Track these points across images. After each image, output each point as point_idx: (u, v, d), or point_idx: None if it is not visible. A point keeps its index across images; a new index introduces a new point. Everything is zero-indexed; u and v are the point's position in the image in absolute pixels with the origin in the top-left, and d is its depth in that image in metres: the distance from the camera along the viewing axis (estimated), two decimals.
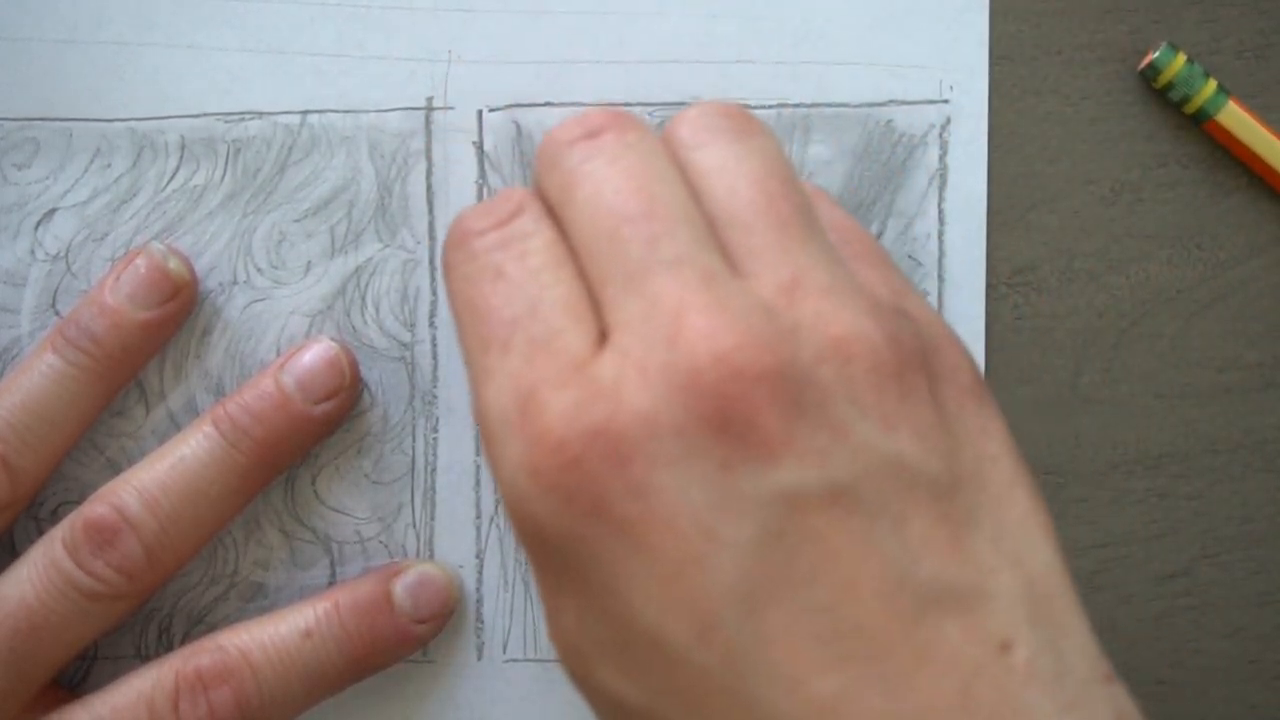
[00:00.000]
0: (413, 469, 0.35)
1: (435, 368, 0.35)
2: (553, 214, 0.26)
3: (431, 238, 0.35)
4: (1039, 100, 0.35)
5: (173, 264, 0.33)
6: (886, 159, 0.35)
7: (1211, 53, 0.35)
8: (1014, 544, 0.23)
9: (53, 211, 0.34)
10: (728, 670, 0.22)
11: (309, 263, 0.35)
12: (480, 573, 0.35)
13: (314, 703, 0.33)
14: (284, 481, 0.35)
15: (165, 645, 0.35)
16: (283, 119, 0.35)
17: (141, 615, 0.35)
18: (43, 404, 0.33)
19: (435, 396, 0.35)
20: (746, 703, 0.22)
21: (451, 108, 0.35)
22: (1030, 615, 0.22)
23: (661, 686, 0.22)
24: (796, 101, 0.35)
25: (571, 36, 0.35)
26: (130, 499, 0.32)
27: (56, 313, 0.35)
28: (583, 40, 0.35)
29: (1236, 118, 0.35)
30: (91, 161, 0.34)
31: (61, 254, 0.35)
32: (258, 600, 0.35)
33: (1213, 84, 0.34)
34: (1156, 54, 0.34)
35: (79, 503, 0.33)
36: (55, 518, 0.34)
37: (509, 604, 0.35)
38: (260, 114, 0.35)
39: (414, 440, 0.35)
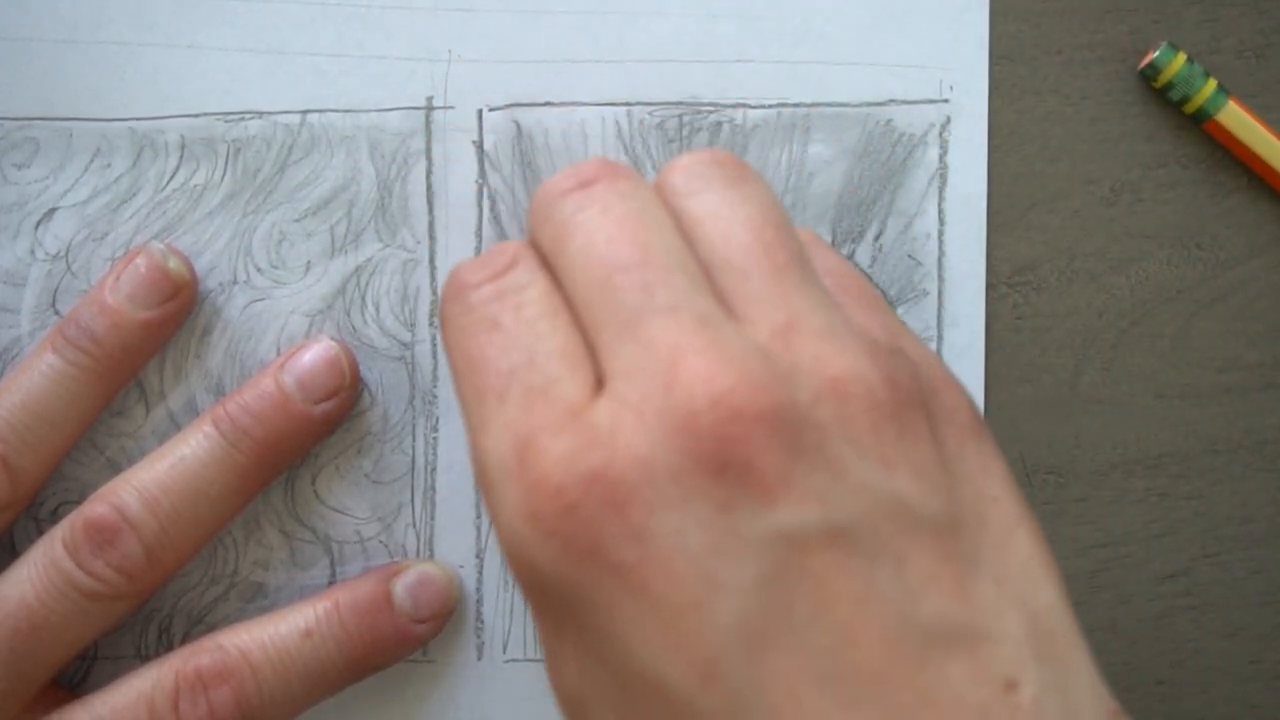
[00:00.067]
0: (413, 469, 0.35)
1: (435, 367, 0.35)
2: (547, 265, 0.26)
3: (431, 237, 0.35)
4: (1039, 100, 0.35)
5: (173, 264, 0.33)
6: (886, 158, 0.35)
7: (1211, 53, 0.35)
8: (1017, 584, 0.23)
9: (53, 211, 0.34)
10: (730, 717, 0.21)
11: (309, 262, 0.35)
12: (480, 573, 0.35)
13: (314, 702, 0.33)
14: (284, 481, 0.35)
15: (165, 645, 0.35)
16: (283, 119, 0.35)
17: (141, 615, 0.35)
18: (43, 404, 0.33)
19: (435, 396, 0.35)
20: None
21: (451, 107, 0.35)
22: (1036, 654, 0.22)
23: None
24: (796, 101, 0.35)
25: (571, 36, 0.35)
26: (130, 499, 0.32)
27: (56, 313, 0.35)
28: (583, 40, 0.35)
29: (1236, 117, 0.35)
30: (91, 161, 0.34)
31: (61, 254, 0.35)
32: (258, 600, 0.35)
33: (1213, 84, 0.34)
34: (1156, 54, 0.34)
35: (79, 503, 0.33)
36: (55, 518, 0.34)
37: (509, 604, 0.35)
38: (260, 114, 0.35)
39: (414, 440, 0.35)
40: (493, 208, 0.35)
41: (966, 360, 0.35)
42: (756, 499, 0.22)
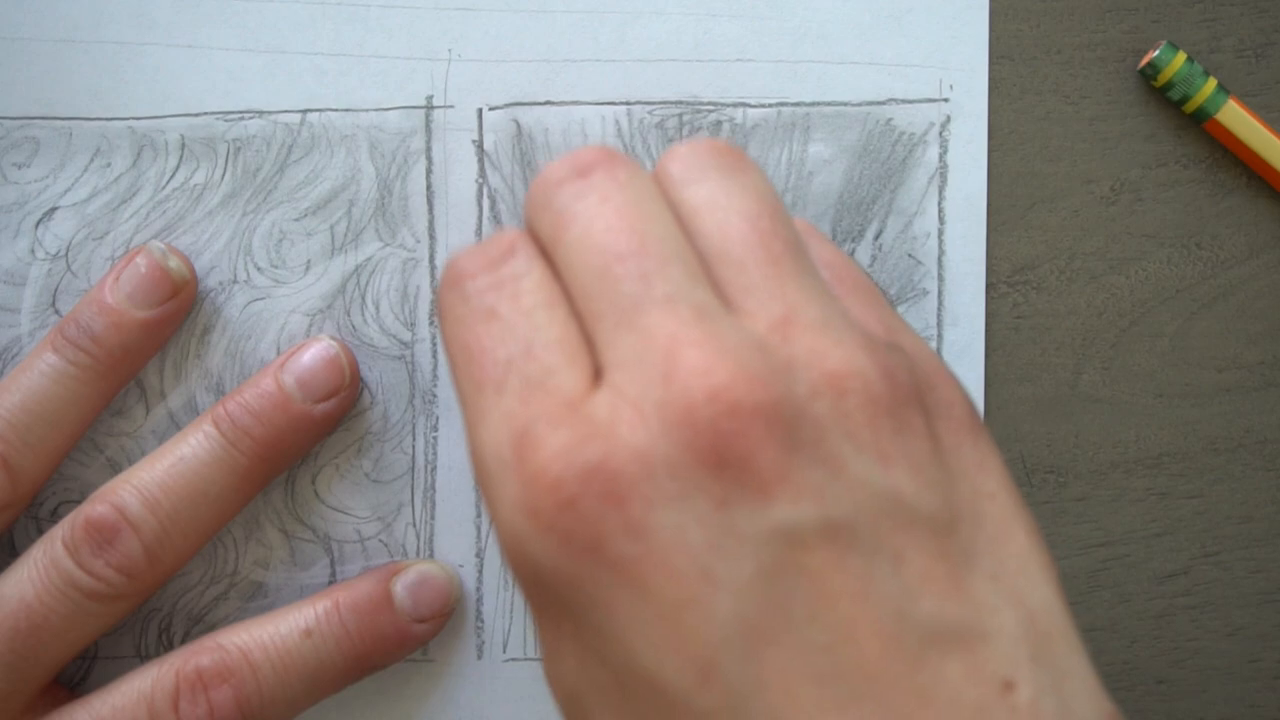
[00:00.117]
0: (413, 468, 0.35)
1: (435, 366, 0.35)
2: (545, 254, 0.26)
3: (431, 237, 0.35)
4: (1039, 100, 0.35)
5: (173, 263, 0.33)
6: (886, 157, 0.35)
7: (1211, 52, 0.35)
8: (1013, 581, 0.23)
9: (53, 210, 0.34)
10: (727, 715, 0.21)
11: (309, 262, 0.35)
12: (480, 572, 0.35)
13: (314, 702, 0.33)
14: (284, 481, 0.35)
15: (165, 645, 0.35)
16: (282, 118, 0.35)
17: (141, 615, 0.35)
18: (43, 404, 0.33)
19: (435, 395, 0.35)
20: None
21: (451, 106, 0.35)
22: (1032, 654, 0.22)
23: None
24: (797, 100, 0.35)
25: (571, 36, 0.35)
26: (130, 498, 0.32)
27: (56, 312, 0.35)
28: (583, 39, 0.35)
29: (1236, 117, 0.35)
30: (91, 161, 0.34)
31: (61, 253, 0.35)
32: (258, 600, 0.35)
33: (1212, 83, 0.34)
34: (1156, 53, 0.34)
35: (79, 502, 0.33)
36: (55, 518, 0.34)
37: (509, 603, 0.35)
38: (260, 113, 0.35)
39: (414, 439, 0.35)
40: (493, 207, 0.35)
41: (966, 360, 0.35)
42: (754, 495, 0.22)
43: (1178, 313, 0.36)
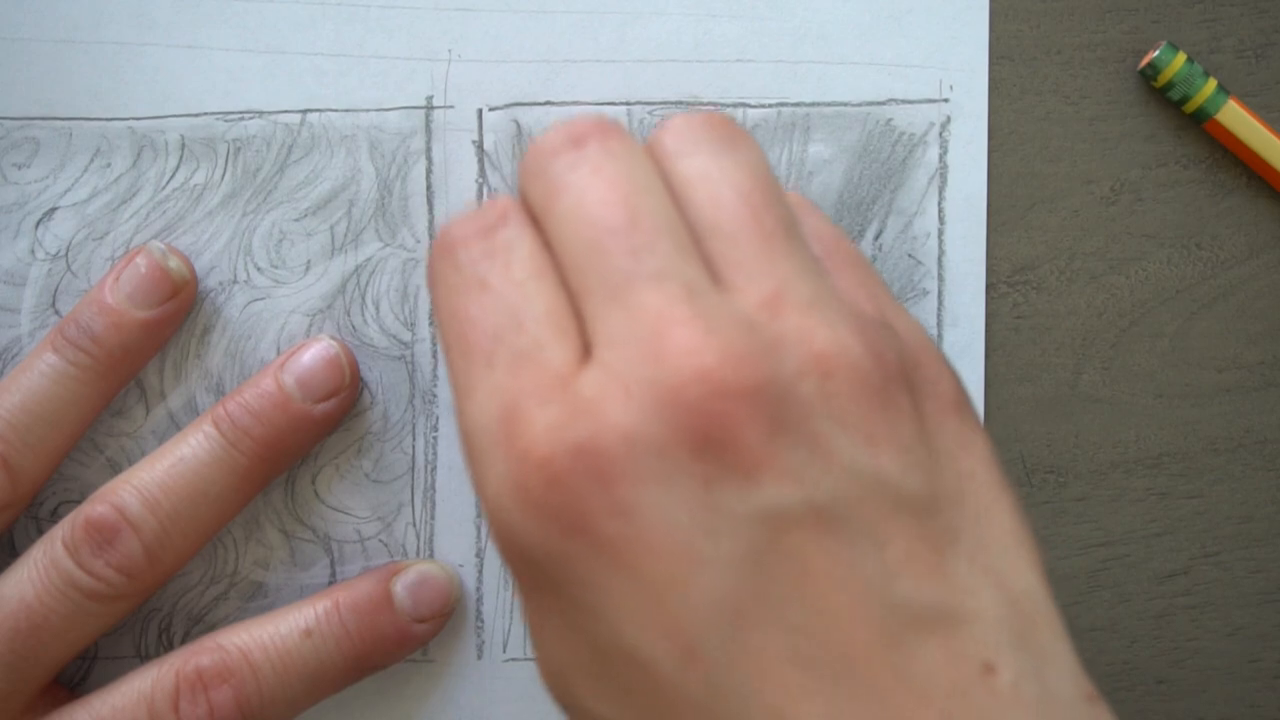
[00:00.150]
0: (413, 468, 0.35)
1: (435, 366, 0.35)
2: (537, 223, 0.25)
3: (431, 237, 0.35)
4: (1039, 100, 0.35)
5: (173, 263, 0.33)
6: (886, 158, 0.35)
7: (1211, 52, 0.35)
8: (995, 563, 0.23)
9: (53, 211, 0.34)
10: (709, 695, 0.21)
11: (309, 262, 0.35)
12: (480, 572, 0.35)
13: (314, 702, 0.33)
14: (284, 481, 0.35)
15: (165, 645, 0.35)
16: (282, 118, 0.35)
17: (141, 615, 0.35)
18: (43, 404, 0.33)
19: (435, 395, 0.35)
20: None
21: (451, 107, 0.35)
22: (1013, 637, 0.22)
23: (644, 711, 0.22)
24: (796, 100, 0.35)
25: (571, 36, 0.35)
26: (130, 498, 0.32)
27: (56, 312, 0.35)
28: (583, 40, 0.35)
29: (1236, 117, 0.35)
30: (91, 161, 0.34)
31: (61, 253, 0.35)
32: (258, 600, 0.35)
33: (1213, 83, 0.34)
34: (1156, 53, 0.34)
35: (79, 502, 0.33)
36: (55, 518, 0.34)
37: (509, 603, 0.35)
38: (260, 113, 0.35)
39: (414, 439, 0.35)
40: None
41: (966, 360, 0.35)
42: (739, 476, 0.22)
43: (1178, 313, 0.36)
